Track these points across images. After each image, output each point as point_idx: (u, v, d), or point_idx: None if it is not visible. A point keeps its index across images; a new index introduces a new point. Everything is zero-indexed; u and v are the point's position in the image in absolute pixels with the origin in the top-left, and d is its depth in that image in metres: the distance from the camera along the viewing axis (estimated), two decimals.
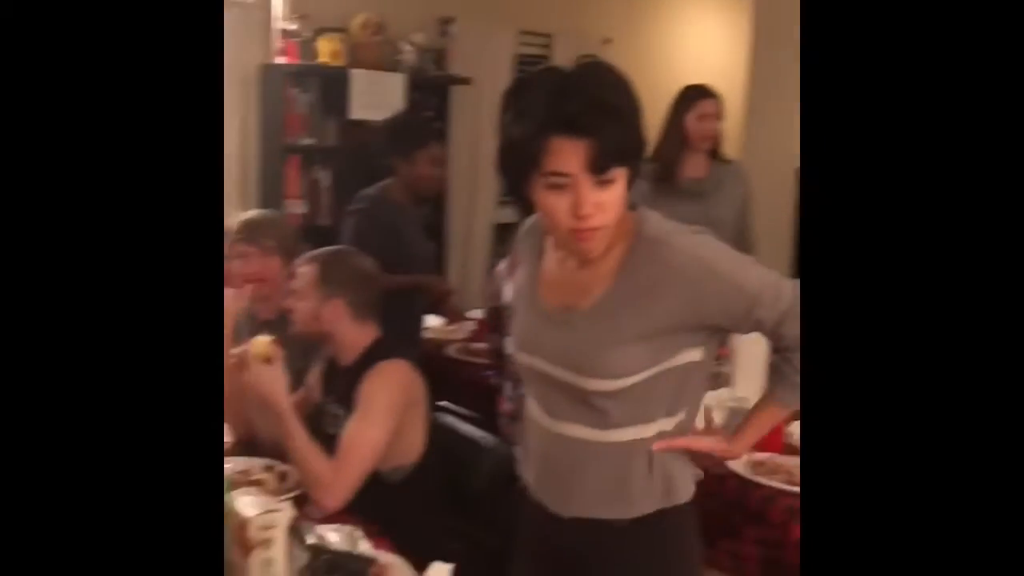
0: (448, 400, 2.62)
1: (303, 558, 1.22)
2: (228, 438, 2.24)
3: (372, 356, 2.05)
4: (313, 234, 3.81)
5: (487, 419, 2.52)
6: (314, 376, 2.21)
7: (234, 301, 2.35)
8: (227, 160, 4.05)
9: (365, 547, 1.24)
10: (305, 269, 2.12)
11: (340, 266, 2.12)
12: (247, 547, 1.47)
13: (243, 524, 1.47)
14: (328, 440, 1.96)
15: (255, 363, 1.94)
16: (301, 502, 1.85)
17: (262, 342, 1.98)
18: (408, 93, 4.17)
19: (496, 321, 2.49)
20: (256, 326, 2.45)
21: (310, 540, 1.21)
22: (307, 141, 4.08)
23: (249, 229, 2.44)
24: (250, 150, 4.13)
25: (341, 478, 1.88)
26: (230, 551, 1.50)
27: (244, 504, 1.51)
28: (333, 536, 1.24)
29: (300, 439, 1.91)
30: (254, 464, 2.05)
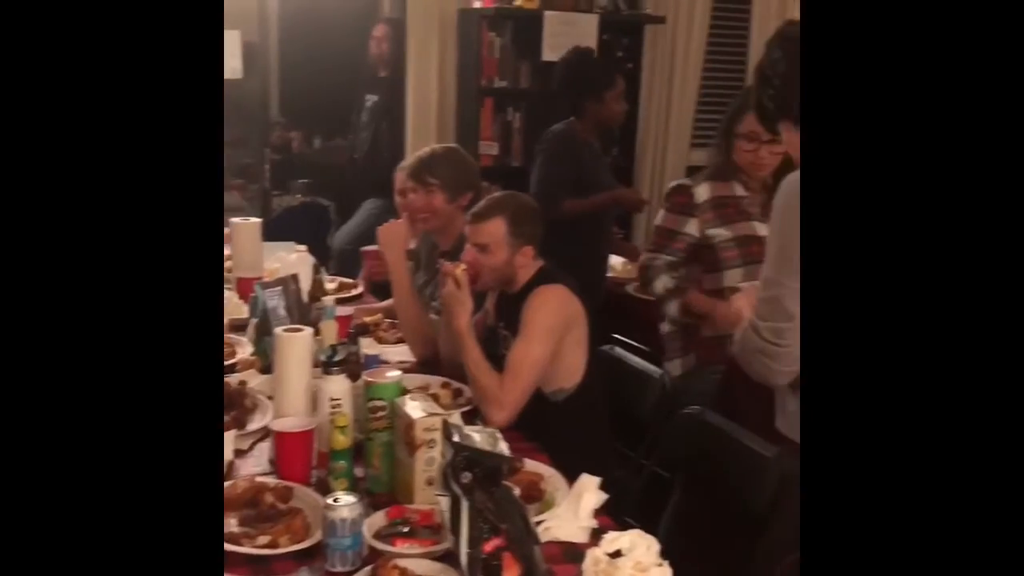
0: (625, 335, 2.71)
1: (449, 455, 1.35)
2: (412, 357, 2.45)
3: (535, 282, 2.16)
4: (504, 174, 3.98)
5: (658, 353, 2.60)
6: (490, 302, 2.36)
7: (403, 231, 2.53)
8: (427, 102, 4.28)
9: (503, 447, 1.35)
10: (493, 226, 2.18)
11: (527, 214, 2.21)
12: (413, 446, 1.63)
13: (410, 425, 1.63)
14: (500, 360, 2.11)
15: (448, 286, 2.12)
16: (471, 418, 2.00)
17: (455, 268, 2.15)
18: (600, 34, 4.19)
19: None
20: (439, 255, 2.63)
21: (455, 439, 1.34)
22: (501, 84, 4.21)
23: (415, 168, 2.62)
24: (448, 93, 4.32)
25: (507, 393, 2.02)
26: (399, 449, 1.67)
27: (412, 408, 1.66)
28: (476, 436, 1.36)
29: (474, 355, 2.08)
30: (432, 380, 2.23)
